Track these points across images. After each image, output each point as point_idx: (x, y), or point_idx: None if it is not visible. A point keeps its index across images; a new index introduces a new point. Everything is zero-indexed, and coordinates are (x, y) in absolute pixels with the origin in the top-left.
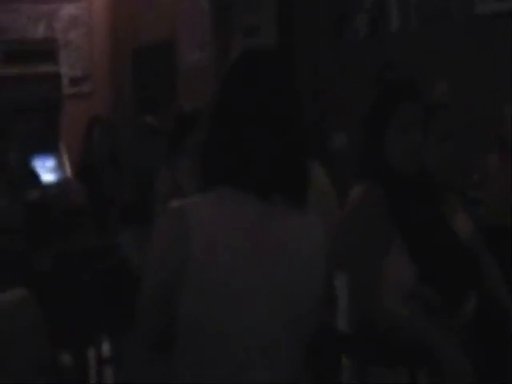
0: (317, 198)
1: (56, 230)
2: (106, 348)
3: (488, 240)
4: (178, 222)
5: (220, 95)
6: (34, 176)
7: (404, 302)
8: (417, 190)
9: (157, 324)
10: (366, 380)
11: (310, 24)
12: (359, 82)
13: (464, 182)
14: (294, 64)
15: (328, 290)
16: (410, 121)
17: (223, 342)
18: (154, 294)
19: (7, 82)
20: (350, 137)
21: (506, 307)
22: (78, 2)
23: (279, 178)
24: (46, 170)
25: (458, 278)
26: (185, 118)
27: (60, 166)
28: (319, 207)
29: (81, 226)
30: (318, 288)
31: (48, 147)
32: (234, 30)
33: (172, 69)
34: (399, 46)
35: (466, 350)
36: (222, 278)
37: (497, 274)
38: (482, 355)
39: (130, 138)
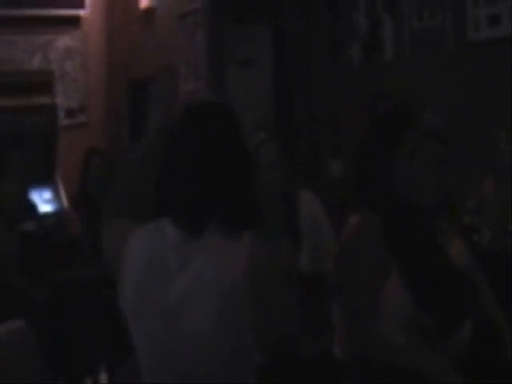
0: (309, 224)
1: (53, 260)
2: (103, 378)
3: (484, 266)
4: (125, 245)
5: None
6: (31, 207)
7: (401, 329)
8: (416, 217)
9: None
10: None
11: (304, 52)
12: (354, 109)
13: (460, 208)
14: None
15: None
16: (415, 149)
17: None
18: None
19: (3, 113)
20: (345, 164)
21: (501, 332)
22: (74, 33)
23: (206, 211)
24: (43, 201)
25: (453, 304)
26: None
27: (56, 197)
28: (313, 233)
29: (78, 257)
30: (247, 309)
31: (44, 178)
32: (229, 60)
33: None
34: (393, 74)
35: (462, 375)
36: (151, 302)
37: (492, 299)
38: (478, 379)
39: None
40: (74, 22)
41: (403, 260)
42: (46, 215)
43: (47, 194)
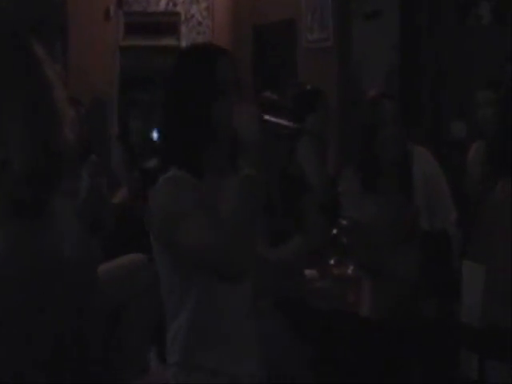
0: (423, 181)
1: None
2: None
3: None
4: None
5: None
6: (154, 145)
7: None
8: None
9: None
10: (484, 374)
11: (433, 9)
12: (480, 70)
13: None
14: None
15: None
16: None
17: None
18: None
19: (129, 53)
20: (469, 125)
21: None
22: None
23: None
24: None
25: None
26: (305, 97)
27: None
28: (427, 190)
29: None
30: None
31: None
32: (356, 12)
33: (292, 47)
34: None
35: None
36: None
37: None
38: None
39: None
40: None
41: None
42: None
43: None
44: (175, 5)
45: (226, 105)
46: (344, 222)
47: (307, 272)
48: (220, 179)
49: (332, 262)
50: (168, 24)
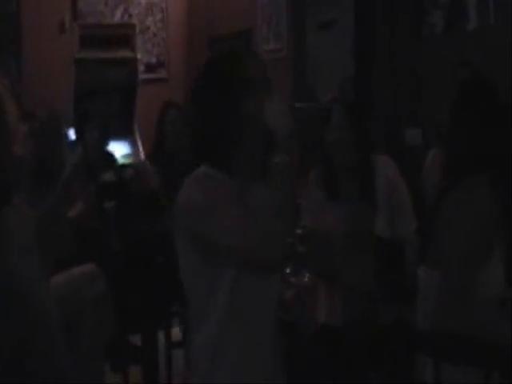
0: (386, 189)
1: (131, 211)
2: (175, 332)
3: None
4: None
5: None
6: (110, 158)
7: (498, 305)
8: None
9: None
10: (439, 378)
11: (388, 18)
12: (435, 77)
13: None
14: None
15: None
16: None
17: None
18: None
19: (84, 65)
20: (425, 133)
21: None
22: None
23: None
24: (121, 154)
25: None
26: None
27: (134, 151)
28: (389, 198)
29: (155, 210)
30: None
31: (123, 131)
32: (311, 21)
33: None
34: (476, 44)
35: None
36: None
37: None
38: None
39: None
40: None
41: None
42: (124, 166)
43: (125, 147)
44: (130, 17)
45: (256, 102)
46: (299, 231)
47: None
48: (250, 179)
49: (288, 270)
50: (123, 36)
